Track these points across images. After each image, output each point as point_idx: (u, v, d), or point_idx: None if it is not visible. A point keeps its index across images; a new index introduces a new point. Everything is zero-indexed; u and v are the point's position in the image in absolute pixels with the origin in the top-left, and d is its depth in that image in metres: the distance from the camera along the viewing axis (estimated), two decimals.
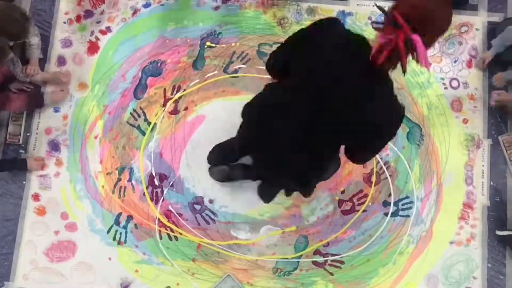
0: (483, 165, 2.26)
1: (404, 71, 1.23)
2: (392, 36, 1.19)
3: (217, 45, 2.35)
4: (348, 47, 1.36)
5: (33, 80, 2.24)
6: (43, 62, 2.35)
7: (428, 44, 1.19)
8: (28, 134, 2.29)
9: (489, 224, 2.20)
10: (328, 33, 1.39)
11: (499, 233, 2.16)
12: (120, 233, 2.20)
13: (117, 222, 2.21)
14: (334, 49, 1.34)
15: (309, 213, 2.20)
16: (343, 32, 1.41)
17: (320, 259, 2.16)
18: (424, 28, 1.16)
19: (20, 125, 2.29)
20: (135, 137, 2.28)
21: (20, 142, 2.27)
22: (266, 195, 2.11)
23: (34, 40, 2.19)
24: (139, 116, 2.30)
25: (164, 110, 2.29)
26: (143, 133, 2.28)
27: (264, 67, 2.30)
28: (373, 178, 2.22)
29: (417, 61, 1.18)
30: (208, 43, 2.35)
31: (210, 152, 2.16)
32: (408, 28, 1.15)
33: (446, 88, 2.32)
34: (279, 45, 1.49)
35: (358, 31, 2.37)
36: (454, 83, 2.32)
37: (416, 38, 1.14)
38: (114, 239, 2.19)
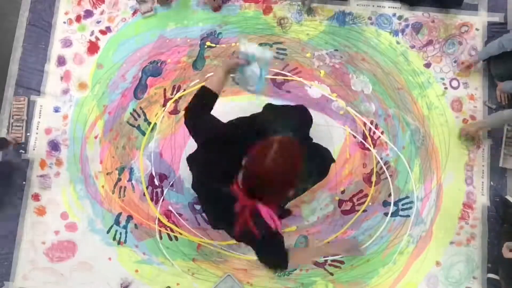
0: (483, 165, 2.26)
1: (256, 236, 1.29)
2: (243, 205, 1.26)
3: (217, 45, 2.35)
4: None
5: None
6: (43, 61, 2.36)
7: (279, 200, 1.31)
8: (28, 134, 2.29)
9: (489, 224, 2.20)
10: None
11: (490, 276, 2.15)
12: (120, 233, 2.20)
13: (117, 222, 2.21)
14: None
15: (309, 213, 2.20)
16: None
17: (320, 259, 2.16)
18: (269, 195, 1.24)
19: (21, 125, 2.29)
20: (135, 137, 2.28)
21: (22, 141, 2.28)
22: None
23: None
24: (139, 116, 2.30)
25: (164, 110, 2.29)
26: (143, 133, 2.28)
27: None
28: (373, 178, 2.22)
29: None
30: (208, 43, 2.35)
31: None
32: (251, 201, 1.23)
33: (446, 88, 2.32)
34: None
35: (358, 31, 2.39)
36: (454, 83, 2.32)
37: (259, 207, 1.23)
38: (114, 239, 2.19)
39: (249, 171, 1.25)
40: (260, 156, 1.22)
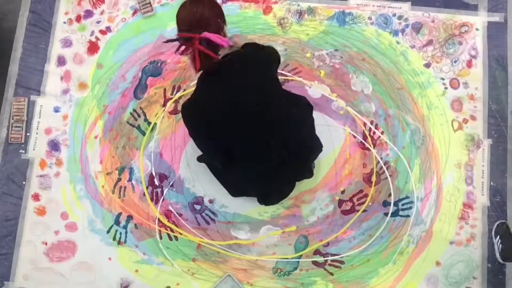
0: (483, 165, 2.26)
1: (195, 69, 1.56)
2: (190, 47, 1.51)
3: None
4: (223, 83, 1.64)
5: None
6: (43, 61, 2.36)
7: (217, 31, 1.54)
8: (28, 134, 2.29)
9: (489, 224, 2.20)
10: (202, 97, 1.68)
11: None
12: (120, 233, 2.20)
13: (117, 222, 2.21)
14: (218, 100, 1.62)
15: (309, 213, 2.20)
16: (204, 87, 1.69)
17: (320, 259, 2.17)
18: (203, 26, 1.50)
19: (21, 126, 2.29)
20: (135, 137, 2.28)
21: (22, 141, 2.28)
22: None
23: None
24: (139, 116, 2.30)
25: (164, 110, 2.29)
26: (143, 133, 2.28)
27: None
28: (373, 178, 2.22)
29: (221, 46, 1.54)
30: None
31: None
32: (195, 34, 1.49)
33: (446, 88, 2.32)
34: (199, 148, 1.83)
35: (358, 31, 2.39)
36: (454, 83, 2.32)
37: (205, 34, 1.48)
38: (114, 239, 2.19)
39: (177, 19, 1.55)
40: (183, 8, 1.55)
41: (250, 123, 1.61)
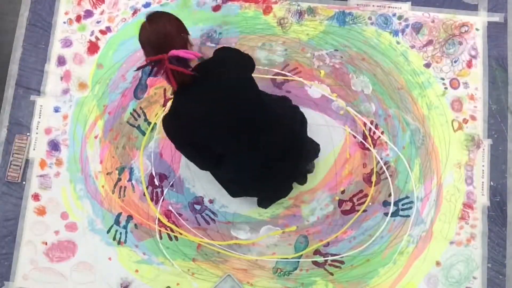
0: (483, 165, 2.26)
1: (173, 87, 1.56)
2: (161, 68, 1.51)
3: (217, 45, 2.35)
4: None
5: None
6: (43, 61, 2.36)
7: (183, 45, 1.59)
8: (28, 134, 2.29)
9: (489, 224, 2.20)
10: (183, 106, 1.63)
11: None
12: (120, 233, 2.20)
13: (117, 222, 2.21)
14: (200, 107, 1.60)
15: (309, 213, 2.20)
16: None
17: (320, 259, 2.17)
18: (169, 44, 1.52)
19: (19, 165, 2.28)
20: (135, 137, 2.28)
21: (19, 181, 2.27)
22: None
23: None
24: (139, 116, 2.30)
25: (164, 110, 2.30)
26: (143, 133, 2.28)
27: (263, 67, 2.31)
28: (373, 178, 2.22)
29: (191, 59, 1.55)
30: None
31: None
32: (163, 55, 1.49)
33: (446, 88, 2.32)
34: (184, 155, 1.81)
35: (358, 31, 2.39)
36: (454, 83, 2.32)
37: (173, 53, 1.49)
38: (114, 239, 2.20)
39: (147, 41, 1.57)
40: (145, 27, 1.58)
41: (233, 125, 1.60)
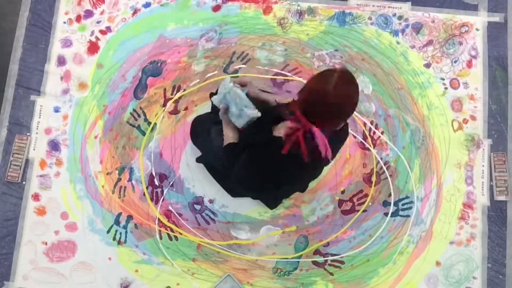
0: (483, 165, 2.26)
1: (304, 159, 1.30)
2: (294, 127, 1.28)
3: (217, 45, 2.35)
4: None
5: None
6: (43, 61, 2.36)
7: (330, 130, 1.30)
8: (28, 134, 2.29)
9: (489, 224, 2.20)
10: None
11: None
12: (120, 233, 2.20)
13: (117, 222, 2.21)
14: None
15: (309, 213, 2.20)
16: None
17: (320, 259, 2.17)
18: (333, 116, 1.25)
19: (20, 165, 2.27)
20: (135, 137, 2.28)
21: (19, 180, 2.27)
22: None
23: None
24: (139, 116, 2.30)
25: (164, 110, 2.29)
26: (143, 133, 2.28)
27: (263, 67, 2.31)
28: (373, 178, 2.22)
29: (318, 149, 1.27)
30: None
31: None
32: (307, 122, 1.23)
33: (446, 88, 2.32)
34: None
35: (358, 31, 2.39)
36: (454, 83, 2.32)
37: (315, 130, 1.23)
38: (114, 239, 2.19)
39: (310, 94, 1.26)
40: (322, 82, 1.24)
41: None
